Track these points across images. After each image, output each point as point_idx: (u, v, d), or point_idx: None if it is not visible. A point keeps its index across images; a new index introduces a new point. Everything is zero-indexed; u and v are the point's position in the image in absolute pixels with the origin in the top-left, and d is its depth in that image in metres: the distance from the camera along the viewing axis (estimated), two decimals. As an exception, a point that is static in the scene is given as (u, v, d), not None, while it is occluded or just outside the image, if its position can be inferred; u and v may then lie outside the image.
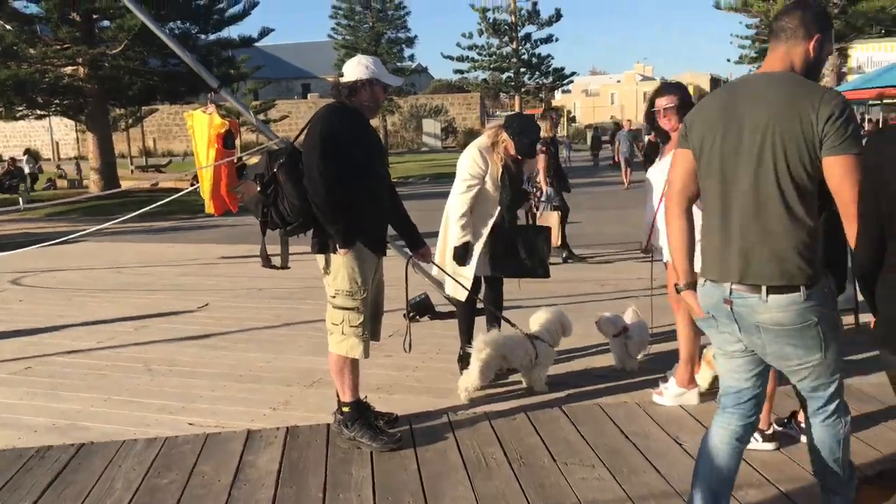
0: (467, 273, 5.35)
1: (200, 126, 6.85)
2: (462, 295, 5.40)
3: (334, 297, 4.28)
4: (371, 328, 4.46)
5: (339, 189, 4.08)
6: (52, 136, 53.74)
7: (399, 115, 54.13)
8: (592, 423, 4.58)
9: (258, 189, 4.15)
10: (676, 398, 4.83)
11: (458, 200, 5.22)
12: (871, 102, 16.74)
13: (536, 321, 5.24)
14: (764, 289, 2.77)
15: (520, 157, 5.26)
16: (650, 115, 4.78)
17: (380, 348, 5.83)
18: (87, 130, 28.05)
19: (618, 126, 37.89)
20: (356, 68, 4.27)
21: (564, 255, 10.11)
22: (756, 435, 4.08)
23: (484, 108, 59.47)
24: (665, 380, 5.01)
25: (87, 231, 10.66)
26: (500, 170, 5.21)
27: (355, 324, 4.27)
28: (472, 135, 56.35)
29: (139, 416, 4.90)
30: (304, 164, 4.11)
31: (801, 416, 4.22)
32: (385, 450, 4.30)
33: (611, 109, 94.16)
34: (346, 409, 4.41)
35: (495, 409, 4.83)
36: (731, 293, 2.85)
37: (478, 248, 5.29)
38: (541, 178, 9.63)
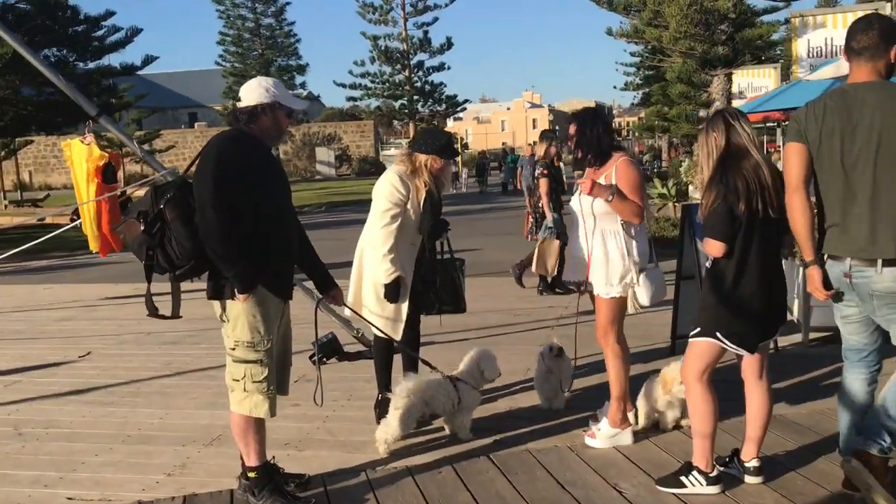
0: (397, 311, 4.93)
1: (79, 157, 6.20)
2: (399, 332, 4.98)
3: (234, 349, 3.79)
4: (279, 381, 3.99)
5: (237, 227, 3.62)
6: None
7: (291, 144, 53.16)
8: (524, 472, 4.23)
9: (142, 228, 3.64)
10: (610, 439, 4.54)
11: (381, 233, 4.79)
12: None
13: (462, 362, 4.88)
14: (880, 262, 3.44)
15: (438, 181, 4.94)
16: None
17: (286, 397, 5.36)
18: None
19: (506, 152, 38.32)
20: (255, 91, 3.82)
21: (540, 287, 9.72)
22: (699, 478, 3.87)
23: (378, 135, 59.21)
24: (596, 419, 4.73)
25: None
26: (424, 195, 4.86)
27: (259, 378, 3.79)
28: (366, 162, 56.27)
29: (6, 493, 4.23)
30: (195, 198, 3.63)
31: (744, 454, 4.02)
32: (298, 519, 3.83)
33: (502, 136, 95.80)
34: (252, 475, 3.91)
35: (418, 463, 4.42)
36: (850, 268, 3.52)
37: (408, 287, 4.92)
38: (543, 203, 9.38)
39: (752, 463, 3.99)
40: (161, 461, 4.60)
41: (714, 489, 3.87)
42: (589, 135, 4.44)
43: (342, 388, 5.88)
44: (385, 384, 5.02)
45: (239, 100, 3.87)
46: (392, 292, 4.79)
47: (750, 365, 4.00)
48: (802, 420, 4.81)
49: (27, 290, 12.11)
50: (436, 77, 48.10)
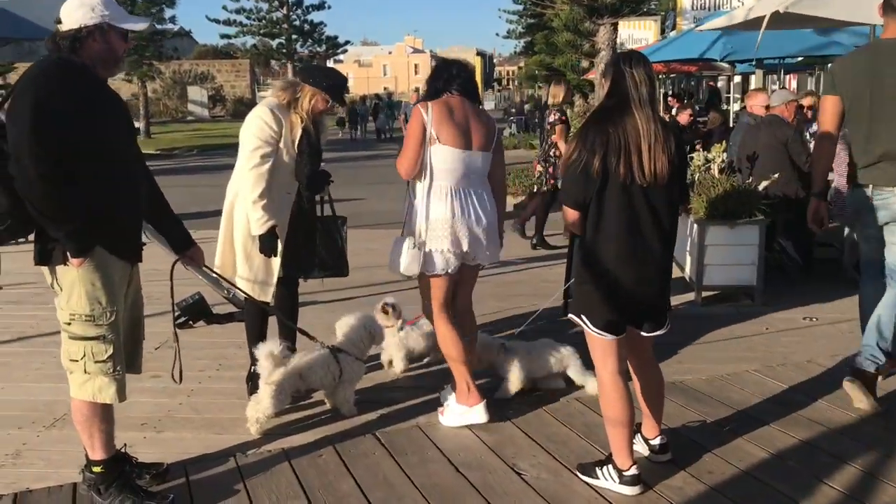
0: (267, 270, 4.38)
1: None
2: (269, 295, 4.42)
3: (69, 324, 3.17)
4: (128, 359, 3.40)
5: (64, 177, 2.97)
6: None
7: (161, 82, 50.14)
8: (414, 453, 3.82)
9: None
10: (461, 417, 4.12)
11: (250, 176, 4.18)
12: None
13: (339, 328, 4.38)
14: None
15: (319, 124, 4.42)
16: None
17: (145, 367, 4.75)
18: None
19: (379, 98, 37.20)
20: (78, 11, 3.10)
21: (534, 241, 9.04)
22: (612, 473, 3.43)
23: (254, 75, 56.78)
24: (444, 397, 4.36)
25: None
26: (300, 133, 4.28)
27: (102, 358, 3.18)
28: (242, 103, 53.68)
29: None
30: (8, 144, 2.94)
31: (645, 431, 3.74)
32: (154, 519, 3.29)
33: (384, 81, 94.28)
34: (97, 470, 3.32)
35: (296, 445, 3.93)
36: (872, 192, 4.12)
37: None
38: (562, 149, 8.40)
39: (657, 441, 3.70)
40: (-10, 448, 3.93)
41: (627, 490, 3.40)
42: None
43: (210, 357, 5.28)
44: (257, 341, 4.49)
45: (60, 21, 3.16)
46: (267, 244, 4.23)
47: (631, 346, 3.51)
48: (703, 387, 4.60)
49: None
50: (315, 16, 46.39)
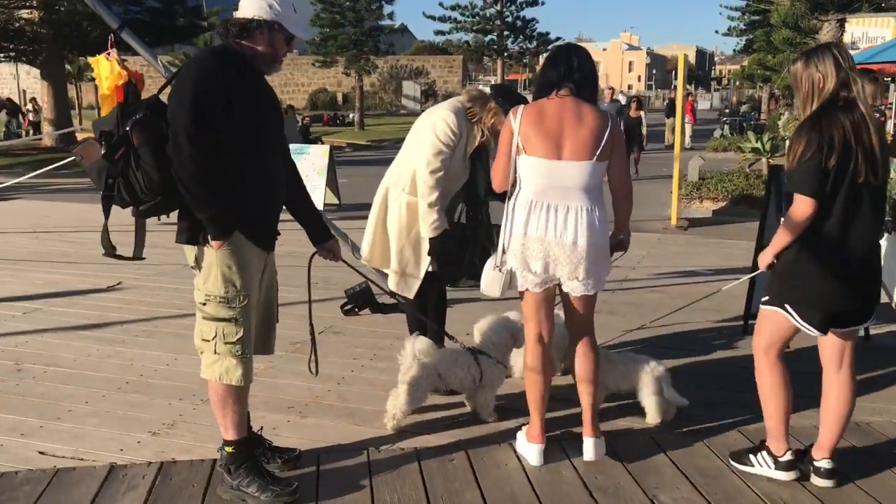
0: (415, 266, 4.39)
1: (103, 74, 5.74)
2: (413, 290, 4.42)
3: (205, 304, 3.26)
4: (260, 341, 3.48)
5: (215, 161, 3.05)
6: (19, 83, 51.60)
7: (378, 76, 52.50)
8: (549, 470, 3.62)
9: (102, 152, 3.10)
10: (520, 445, 3.83)
11: (429, 179, 4.22)
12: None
13: (479, 330, 4.25)
14: None
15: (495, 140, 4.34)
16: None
17: (303, 351, 4.88)
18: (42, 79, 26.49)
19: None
20: (256, 3, 3.19)
21: None
22: (768, 459, 3.55)
23: (466, 71, 57.95)
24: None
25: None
26: (477, 144, 4.31)
27: (232, 339, 3.25)
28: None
29: (-20, 439, 3.87)
30: (169, 125, 3.06)
31: (814, 452, 3.52)
32: (277, 503, 3.32)
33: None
34: (229, 450, 3.41)
35: (429, 445, 3.85)
36: None
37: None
38: None
39: (823, 464, 3.47)
40: (151, 416, 4.17)
41: (783, 475, 3.49)
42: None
43: (367, 345, 5.34)
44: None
45: (237, 9, 3.25)
46: (436, 247, 4.28)
47: (828, 350, 3.48)
48: (891, 431, 4.02)
49: (87, 210, 11.96)
50: (528, 12, 46.33)
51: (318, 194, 12.07)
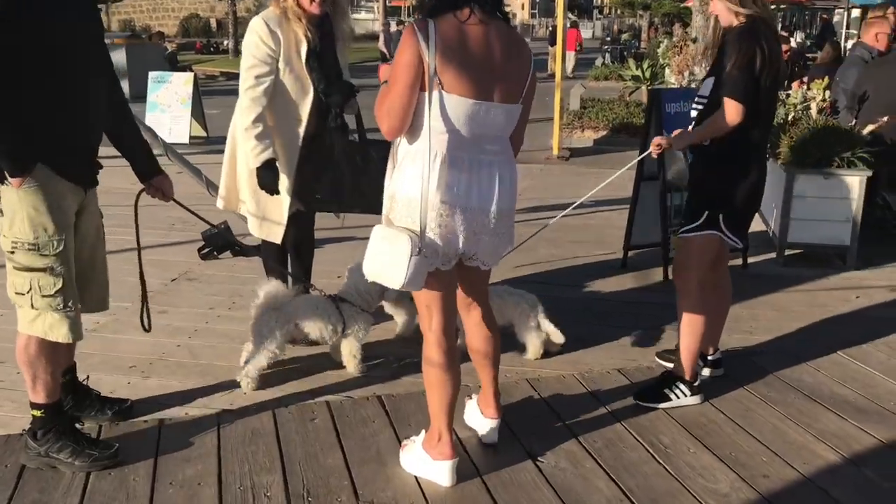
0: (275, 207, 3.91)
1: None
2: (277, 235, 3.96)
3: (13, 252, 2.78)
4: (87, 293, 3.02)
5: None
6: None
7: (254, 1, 50.06)
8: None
9: None
10: (421, 466, 2.96)
11: (243, 100, 3.72)
12: None
13: (350, 275, 3.88)
14: None
15: (325, 30, 3.78)
16: None
17: (154, 300, 4.41)
18: None
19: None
20: None
21: None
22: (684, 388, 3.53)
23: (347, -3, 55.93)
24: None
25: None
26: (304, 44, 3.70)
27: (49, 292, 2.79)
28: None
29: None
30: None
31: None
32: (95, 469, 2.92)
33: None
34: (35, 413, 2.96)
35: (288, 404, 3.48)
36: None
37: (285, 170, 3.86)
38: None
39: (714, 356, 3.81)
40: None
41: (697, 399, 3.54)
42: None
43: (225, 293, 4.88)
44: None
45: None
46: (264, 178, 3.73)
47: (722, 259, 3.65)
48: (769, 365, 3.93)
49: None
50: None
51: (183, 126, 11.28)
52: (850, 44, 16.17)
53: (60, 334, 2.83)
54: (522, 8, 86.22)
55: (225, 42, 36.66)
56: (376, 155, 3.88)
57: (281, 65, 3.69)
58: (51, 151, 2.72)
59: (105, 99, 2.93)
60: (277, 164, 3.79)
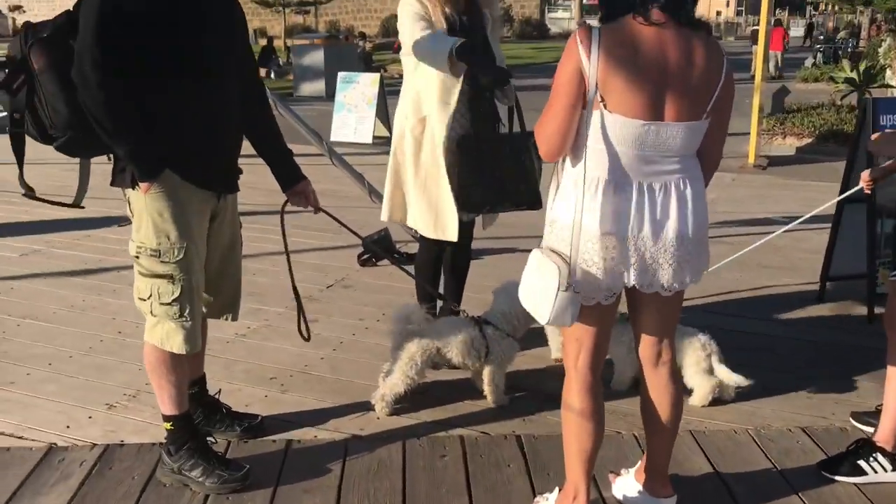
0: (443, 203, 3.63)
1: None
2: (454, 231, 3.66)
3: (137, 256, 2.74)
4: (220, 304, 2.99)
5: (131, 87, 2.51)
6: None
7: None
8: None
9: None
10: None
11: (416, 49, 3.49)
12: None
13: (496, 297, 3.57)
14: None
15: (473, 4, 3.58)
16: None
17: (306, 307, 4.35)
18: None
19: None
20: None
21: None
22: (884, 461, 2.90)
23: (545, -4, 55.74)
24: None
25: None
26: (444, 24, 3.45)
27: (167, 300, 2.71)
28: (529, 24, 52.87)
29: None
30: (76, 48, 2.46)
31: None
32: (223, 492, 2.80)
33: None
34: (166, 426, 2.90)
35: (420, 435, 3.24)
36: None
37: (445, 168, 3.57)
38: None
39: None
40: (114, 383, 3.67)
41: None
42: None
43: (378, 303, 4.72)
44: (429, 304, 3.84)
45: None
46: (465, 51, 3.28)
47: None
48: None
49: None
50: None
51: (367, 126, 11.44)
52: None
53: (175, 344, 2.75)
54: (728, 5, 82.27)
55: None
56: (523, 147, 3.56)
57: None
58: (179, 157, 2.64)
59: (238, 105, 2.82)
60: (436, 151, 3.57)
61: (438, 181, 3.61)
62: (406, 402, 3.41)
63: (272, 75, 23.88)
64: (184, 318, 2.73)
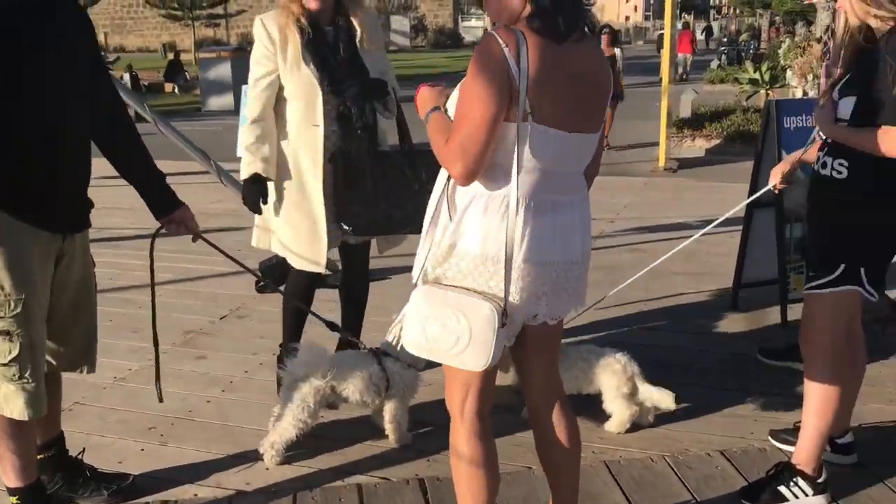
0: (311, 230, 3.35)
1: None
2: (322, 260, 3.39)
3: None
4: (62, 355, 2.63)
5: None
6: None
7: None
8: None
9: None
10: None
11: (247, 103, 3.30)
12: None
13: (395, 324, 3.30)
14: None
15: (339, 15, 3.25)
16: None
17: (195, 342, 4.02)
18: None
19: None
20: None
21: None
22: (805, 486, 2.74)
23: (458, 4, 55.98)
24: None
25: None
26: (300, 43, 3.16)
27: (4, 360, 2.36)
28: (443, 34, 52.92)
29: None
30: None
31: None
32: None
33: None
34: (12, 501, 2.53)
35: (315, 482, 2.94)
36: None
37: (316, 191, 3.30)
38: None
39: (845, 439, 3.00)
40: None
41: (822, 500, 2.75)
42: None
43: (276, 333, 4.32)
44: (294, 334, 3.57)
45: None
46: (250, 195, 3.25)
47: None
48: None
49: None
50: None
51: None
52: None
53: (16, 409, 2.40)
54: (636, 10, 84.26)
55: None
56: (423, 166, 3.22)
57: (282, 64, 3.19)
58: (10, 196, 2.29)
59: (89, 129, 2.49)
60: (302, 177, 3.29)
61: (305, 207, 3.33)
62: (299, 447, 3.11)
63: (176, 90, 23.19)
64: (24, 380, 2.38)
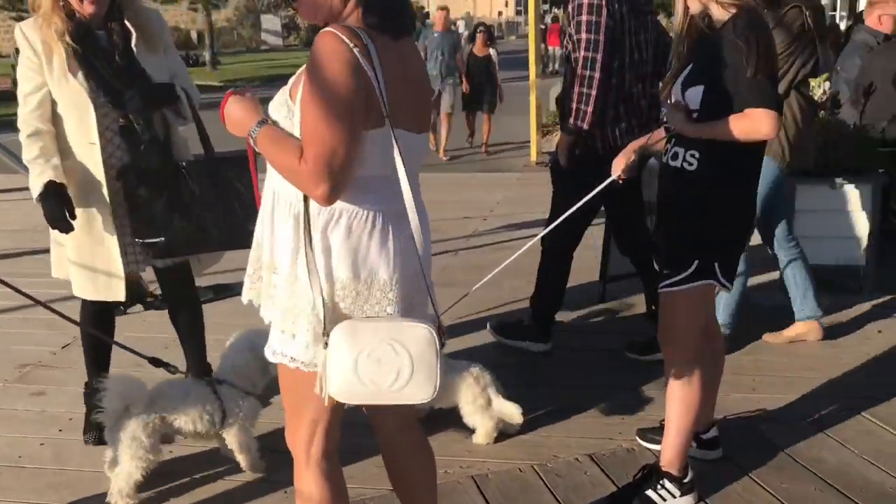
0: (105, 257, 3.05)
1: None
2: (118, 291, 3.09)
3: None
4: None
5: None
6: None
7: (235, 11, 49.30)
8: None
9: None
10: None
11: (20, 121, 2.95)
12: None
13: (226, 350, 3.06)
14: None
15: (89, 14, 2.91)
16: None
17: (32, 377, 3.68)
18: None
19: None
20: None
21: None
22: (672, 487, 2.70)
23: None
24: None
25: None
26: (64, 51, 2.86)
27: None
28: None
29: None
30: None
31: None
32: None
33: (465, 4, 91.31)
34: None
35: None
36: None
37: (104, 213, 3.00)
38: None
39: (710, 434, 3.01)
40: None
41: (690, 500, 2.73)
42: None
43: (124, 361, 3.96)
44: (99, 368, 3.27)
45: None
46: (48, 208, 2.85)
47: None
48: (782, 439, 3.14)
49: None
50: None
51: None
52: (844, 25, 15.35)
53: None
54: (507, 5, 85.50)
55: (204, 54, 35.91)
56: (232, 174, 2.98)
57: (49, 77, 2.89)
58: None
59: None
60: (87, 198, 2.98)
61: (95, 229, 3.03)
62: (149, 487, 2.84)
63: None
64: None
